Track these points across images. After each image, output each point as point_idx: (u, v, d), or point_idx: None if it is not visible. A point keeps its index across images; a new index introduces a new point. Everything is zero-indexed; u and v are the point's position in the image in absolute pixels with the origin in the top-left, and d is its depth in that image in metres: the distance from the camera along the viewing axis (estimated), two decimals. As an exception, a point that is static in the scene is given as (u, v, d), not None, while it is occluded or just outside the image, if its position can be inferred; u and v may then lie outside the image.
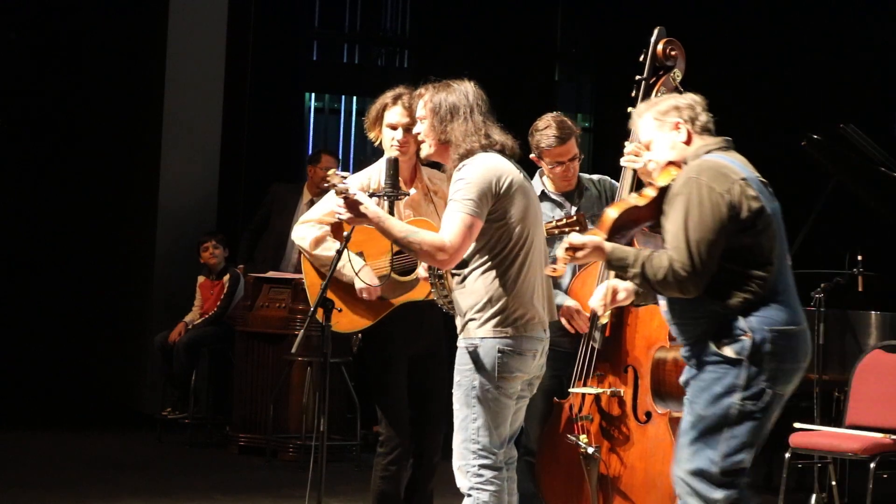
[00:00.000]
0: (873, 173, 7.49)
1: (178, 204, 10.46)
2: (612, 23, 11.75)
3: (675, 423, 5.07)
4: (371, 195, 5.09)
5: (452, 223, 4.53)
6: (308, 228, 5.30)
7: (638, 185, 5.28)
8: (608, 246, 4.30)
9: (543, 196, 5.61)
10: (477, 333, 4.56)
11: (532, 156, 5.63)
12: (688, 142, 4.34)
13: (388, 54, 12.75)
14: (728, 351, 4.15)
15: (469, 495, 4.58)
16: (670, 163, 4.35)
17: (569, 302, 5.52)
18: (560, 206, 5.66)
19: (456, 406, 4.61)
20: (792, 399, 7.75)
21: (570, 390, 5.56)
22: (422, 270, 4.99)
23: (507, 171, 4.59)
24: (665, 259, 4.17)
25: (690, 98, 4.41)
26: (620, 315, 5.45)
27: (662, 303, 4.38)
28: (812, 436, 6.71)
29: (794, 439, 6.68)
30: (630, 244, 4.43)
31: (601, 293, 5.08)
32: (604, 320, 5.43)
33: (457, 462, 4.60)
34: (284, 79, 11.59)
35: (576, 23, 12.67)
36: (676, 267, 4.15)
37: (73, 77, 11.23)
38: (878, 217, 7.92)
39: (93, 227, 11.29)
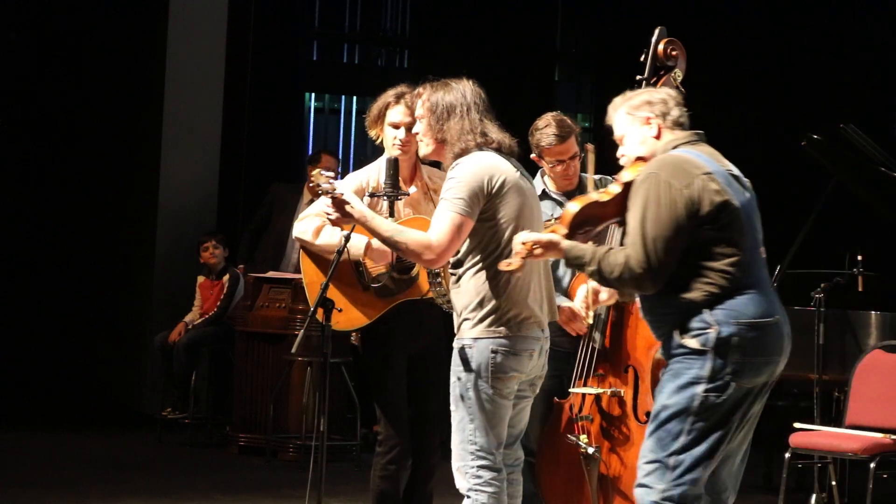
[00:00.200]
0: (873, 173, 7.49)
1: (178, 204, 10.46)
2: (612, 23, 11.76)
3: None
4: (371, 195, 5.10)
5: (441, 222, 4.53)
6: (307, 222, 5.30)
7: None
8: (565, 244, 4.29)
9: (544, 195, 5.61)
10: (470, 333, 4.55)
11: (533, 156, 5.63)
12: (658, 136, 4.32)
13: (388, 54, 12.75)
14: (693, 343, 4.13)
15: (468, 496, 4.57)
16: (639, 158, 4.34)
17: (566, 304, 5.51)
18: (561, 205, 5.66)
19: (452, 407, 4.60)
20: (792, 399, 7.84)
21: (571, 390, 5.56)
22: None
23: (501, 169, 4.58)
24: (621, 256, 4.16)
25: (665, 92, 4.40)
26: (621, 315, 5.45)
27: (637, 299, 4.38)
28: (812, 436, 6.71)
29: (794, 439, 6.68)
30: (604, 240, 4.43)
31: (582, 294, 5.10)
32: (588, 321, 5.44)
33: (455, 463, 4.60)
34: (284, 79, 11.59)
35: (576, 23, 12.67)
36: (632, 264, 4.14)
37: (73, 77, 11.24)
38: (878, 217, 7.92)
39: (93, 227, 11.29)
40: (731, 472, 4.34)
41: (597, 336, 5.47)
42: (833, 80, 10.86)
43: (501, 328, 4.53)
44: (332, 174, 4.81)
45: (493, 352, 4.52)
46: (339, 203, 4.72)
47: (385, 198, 5.07)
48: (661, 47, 5.26)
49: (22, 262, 11.32)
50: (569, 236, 4.33)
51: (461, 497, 4.61)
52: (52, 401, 10.79)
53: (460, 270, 4.59)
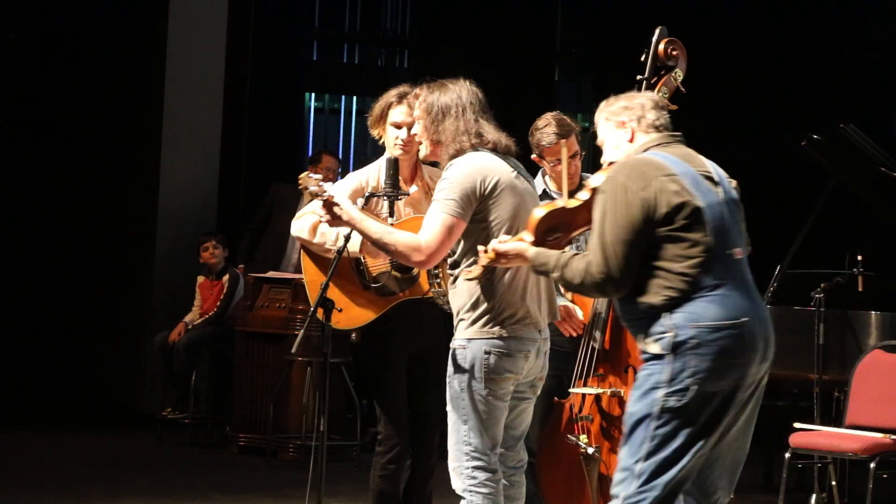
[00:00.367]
0: (873, 173, 7.49)
1: (178, 204, 10.46)
2: (612, 23, 11.76)
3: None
4: (371, 195, 5.10)
5: (431, 224, 4.53)
6: (305, 219, 5.30)
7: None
8: (531, 252, 4.27)
9: (545, 195, 5.60)
10: (465, 334, 4.55)
11: (533, 156, 5.63)
12: (632, 140, 4.30)
13: (388, 54, 12.75)
14: (655, 347, 4.09)
15: (463, 497, 4.57)
16: (612, 163, 4.33)
17: (563, 303, 5.51)
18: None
19: (448, 407, 4.60)
20: (792, 399, 7.84)
21: (571, 390, 5.56)
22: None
23: (495, 170, 4.57)
24: (583, 262, 4.14)
25: (645, 97, 4.37)
26: (621, 315, 5.44)
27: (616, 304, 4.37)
28: (812, 436, 6.71)
29: (794, 439, 6.69)
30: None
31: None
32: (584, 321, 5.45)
33: (451, 463, 4.60)
34: (284, 79, 11.59)
35: (576, 23, 12.68)
36: (592, 269, 4.12)
37: (73, 77, 11.24)
38: (878, 217, 7.92)
39: (93, 227, 11.29)
40: (722, 474, 4.25)
41: (597, 336, 5.47)
42: (833, 80, 10.86)
43: (495, 329, 4.51)
44: (319, 176, 4.82)
45: (487, 353, 4.50)
46: (328, 205, 4.73)
47: (385, 197, 5.07)
48: (661, 47, 5.26)
49: (22, 262, 11.32)
50: (537, 243, 4.30)
51: (460, 497, 4.61)
52: (52, 401, 10.79)
53: (456, 271, 4.58)
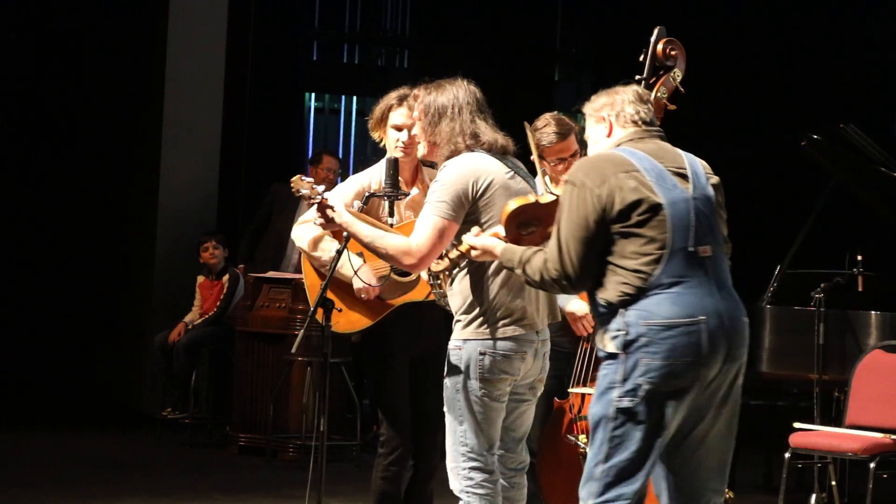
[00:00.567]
0: (873, 173, 7.49)
1: (178, 204, 10.46)
2: (612, 23, 11.76)
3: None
4: (371, 195, 5.09)
5: (422, 227, 4.53)
6: (307, 228, 5.30)
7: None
8: (499, 248, 4.27)
9: (546, 195, 5.60)
10: (460, 335, 4.54)
11: (533, 157, 5.62)
12: (609, 135, 4.27)
13: (388, 54, 12.75)
14: (611, 346, 4.04)
15: (461, 498, 4.57)
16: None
17: (572, 306, 5.51)
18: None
19: (445, 408, 4.60)
20: (792, 399, 7.84)
21: (571, 390, 5.56)
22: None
23: (488, 171, 4.56)
24: (541, 260, 4.13)
25: (627, 90, 4.32)
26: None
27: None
28: (812, 436, 6.71)
29: (794, 439, 6.69)
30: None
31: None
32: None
33: (449, 464, 4.59)
34: (284, 79, 11.59)
35: (576, 23, 12.68)
36: (549, 266, 4.10)
37: (73, 77, 11.24)
38: (878, 217, 7.92)
39: (93, 227, 11.29)
40: (710, 477, 4.16)
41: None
42: (833, 80, 10.86)
43: (490, 330, 4.50)
44: (311, 180, 4.83)
45: (482, 353, 4.49)
46: (321, 208, 4.74)
47: (385, 198, 5.06)
48: (660, 47, 5.25)
49: (22, 262, 11.32)
50: (513, 237, 4.29)
51: (458, 497, 4.61)
52: (52, 401, 10.79)
53: (453, 273, 4.58)
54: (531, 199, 4.33)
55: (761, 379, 7.55)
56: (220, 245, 9.55)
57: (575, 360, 5.55)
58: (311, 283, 5.32)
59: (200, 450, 9.06)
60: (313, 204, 4.82)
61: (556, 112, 5.71)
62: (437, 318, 5.23)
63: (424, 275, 4.95)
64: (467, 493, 4.54)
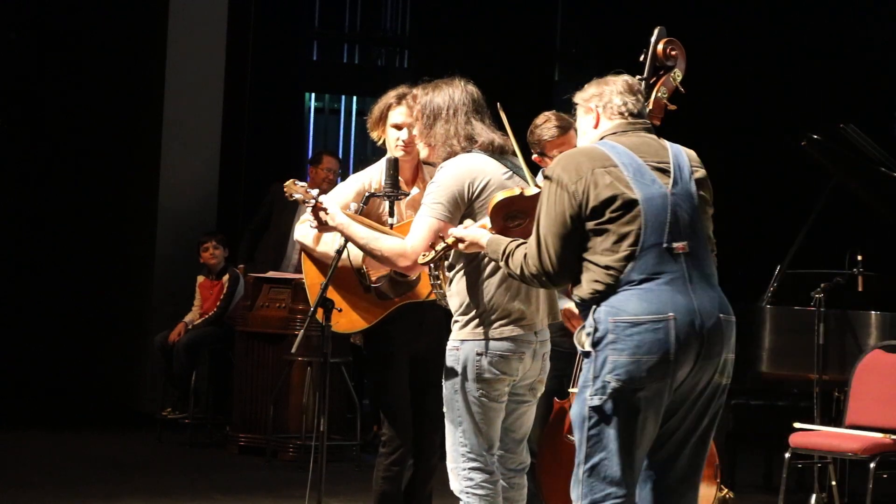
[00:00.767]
0: (873, 173, 7.49)
1: (178, 204, 10.46)
2: (612, 23, 11.76)
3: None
4: (371, 195, 5.09)
5: (418, 228, 4.54)
6: (309, 226, 5.30)
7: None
8: (485, 239, 4.26)
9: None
10: (458, 335, 4.54)
11: (534, 157, 5.63)
12: (596, 126, 4.24)
13: (388, 54, 12.76)
14: (586, 343, 4.01)
15: (461, 498, 4.57)
16: None
17: (567, 303, 5.51)
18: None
19: (444, 408, 4.60)
20: (792, 399, 7.84)
21: (571, 390, 5.56)
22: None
23: (485, 171, 4.56)
24: (522, 254, 4.11)
25: (617, 80, 4.28)
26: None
27: None
28: (812, 436, 6.71)
29: (794, 439, 6.69)
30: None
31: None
32: None
33: (449, 464, 4.59)
34: (284, 79, 11.60)
35: (576, 23, 12.68)
36: (528, 261, 4.09)
37: (73, 77, 11.24)
38: (878, 217, 7.92)
39: (93, 227, 11.29)
40: (678, 480, 4.09)
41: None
42: (833, 80, 10.86)
43: (487, 330, 4.49)
44: (304, 184, 4.84)
45: (479, 354, 4.48)
46: (315, 211, 4.74)
47: (385, 198, 5.06)
48: (660, 47, 5.24)
49: (22, 262, 11.32)
50: (500, 229, 4.28)
51: (459, 497, 4.61)
52: (52, 401, 10.78)
53: (451, 273, 4.58)
54: (516, 191, 4.32)
55: (761, 379, 7.55)
56: (220, 245, 9.55)
57: (575, 360, 5.55)
58: (311, 283, 5.32)
59: (200, 450, 9.06)
60: (307, 207, 4.83)
61: (554, 111, 5.71)
62: (437, 318, 5.22)
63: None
64: (467, 493, 4.54)
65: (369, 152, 10.64)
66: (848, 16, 11.11)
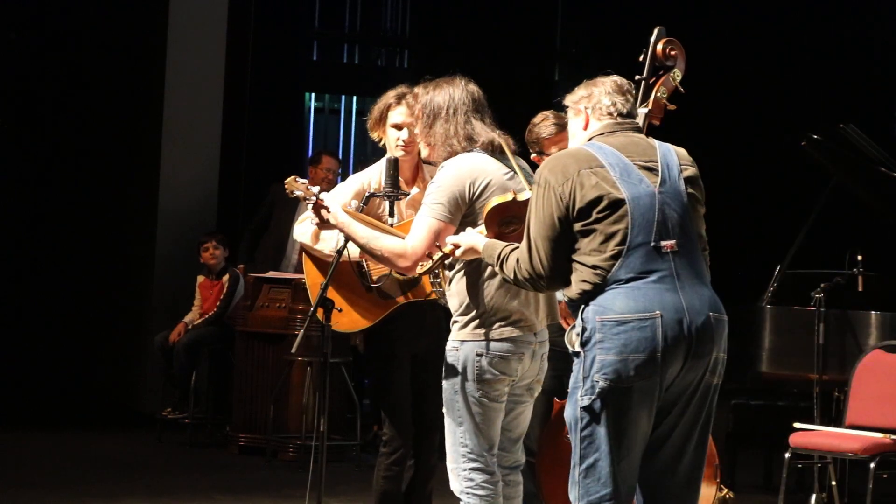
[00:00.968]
0: (873, 173, 7.49)
1: (178, 204, 10.46)
2: (612, 23, 11.76)
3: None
4: (371, 195, 5.09)
5: (418, 229, 4.54)
6: (308, 224, 5.30)
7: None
8: (481, 245, 4.26)
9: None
10: (458, 336, 4.54)
11: (533, 156, 5.63)
12: (586, 127, 4.23)
13: (388, 54, 12.76)
14: (575, 344, 4.01)
15: (461, 499, 4.57)
16: None
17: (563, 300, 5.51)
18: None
19: (444, 409, 4.60)
20: (792, 399, 7.84)
21: (571, 390, 5.55)
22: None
23: (486, 171, 4.56)
24: (514, 258, 4.12)
25: (606, 81, 4.27)
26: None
27: None
28: (812, 436, 6.71)
29: (794, 439, 6.69)
30: None
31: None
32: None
33: (449, 465, 4.59)
34: (284, 79, 11.59)
35: (576, 23, 12.68)
36: (521, 265, 4.09)
37: (73, 77, 11.24)
38: (878, 217, 7.92)
39: (93, 227, 11.29)
40: (675, 482, 4.08)
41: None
42: (833, 80, 10.86)
43: (487, 331, 4.49)
44: (306, 181, 4.83)
45: (479, 354, 4.49)
46: (316, 208, 4.74)
47: (385, 198, 5.06)
48: (659, 47, 5.25)
49: (22, 262, 11.32)
50: (496, 234, 4.29)
51: (459, 497, 4.61)
52: (52, 401, 10.78)
53: (451, 273, 4.58)
54: (509, 197, 4.33)
55: (761, 379, 7.55)
56: (220, 245, 9.56)
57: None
58: (313, 283, 5.32)
59: (200, 450, 9.06)
60: (308, 205, 4.82)
61: (551, 110, 5.72)
62: (438, 318, 5.23)
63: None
64: (468, 493, 4.54)
65: (369, 152, 10.64)
66: (848, 16, 11.11)
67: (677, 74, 5.14)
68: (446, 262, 4.47)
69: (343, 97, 12.48)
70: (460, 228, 4.52)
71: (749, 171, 10.91)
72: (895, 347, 6.90)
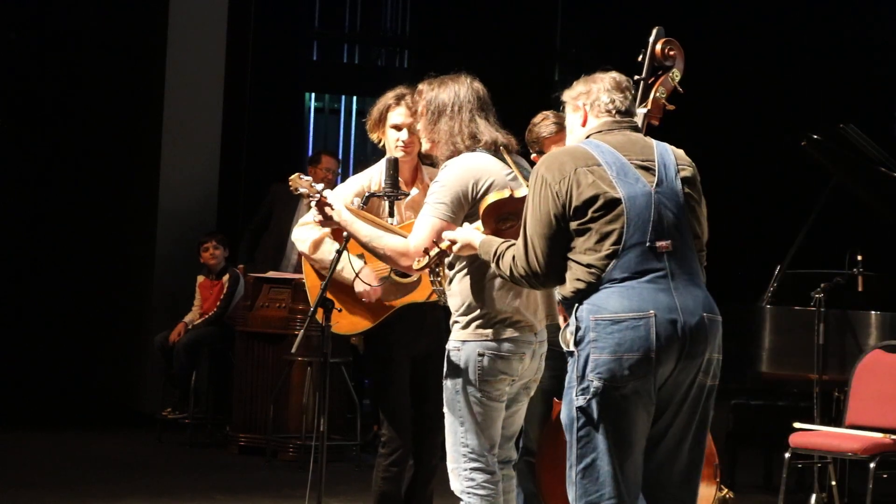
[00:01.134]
0: (873, 173, 7.49)
1: (178, 204, 10.46)
2: (612, 23, 11.76)
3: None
4: (371, 196, 5.09)
5: (420, 228, 4.53)
6: (307, 230, 5.29)
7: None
8: (478, 241, 4.26)
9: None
10: (459, 336, 4.54)
11: (533, 155, 5.63)
12: (584, 124, 4.22)
13: (388, 54, 12.76)
14: (570, 342, 4.01)
15: (462, 499, 4.57)
16: None
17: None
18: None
19: (444, 409, 4.59)
20: (792, 399, 7.85)
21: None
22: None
23: (489, 171, 4.55)
24: (511, 255, 4.12)
25: (604, 78, 4.25)
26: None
27: None
28: (812, 436, 6.71)
29: (794, 439, 6.69)
30: None
31: None
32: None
33: (449, 465, 4.59)
34: (284, 79, 11.60)
35: (576, 23, 12.68)
36: (517, 262, 4.09)
37: (73, 77, 11.24)
38: (878, 217, 7.92)
39: (93, 227, 11.29)
40: (672, 481, 4.06)
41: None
42: (833, 80, 10.87)
43: (489, 331, 4.49)
44: (310, 178, 4.82)
45: (480, 354, 4.48)
46: (320, 205, 4.74)
47: (385, 198, 5.06)
48: (658, 47, 5.25)
49: (22, 262, 11.32)
50: (493, 230, 4.29)
51: (459, 498, 4.61)
52: (52, 401, 10.79)
53: (452, 273, 4.58)
54: (506, 193, 4.33)
55: (761, 379, 7.56)
56: (220, 245, 9.56)
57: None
58: (312, 285, 5.31)
59: (200, 450, 9.06)
60: (312, 202, 4.81)
61: (551, 110, 5.72)
62: (437, 318, 5.23)
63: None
64: (468, 493, 4.54)
65: (369, 152, 10.64)
66: (848, 16, 11.11)
67: (676, 74, 5.14)
68: (445, 259, 4.47)
69: (343, 97, 12.49)
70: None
71: (749, 171, 10.91)
72: (895, 347, 6.90)
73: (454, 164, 4.58)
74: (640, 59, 5.25)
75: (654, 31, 5.28)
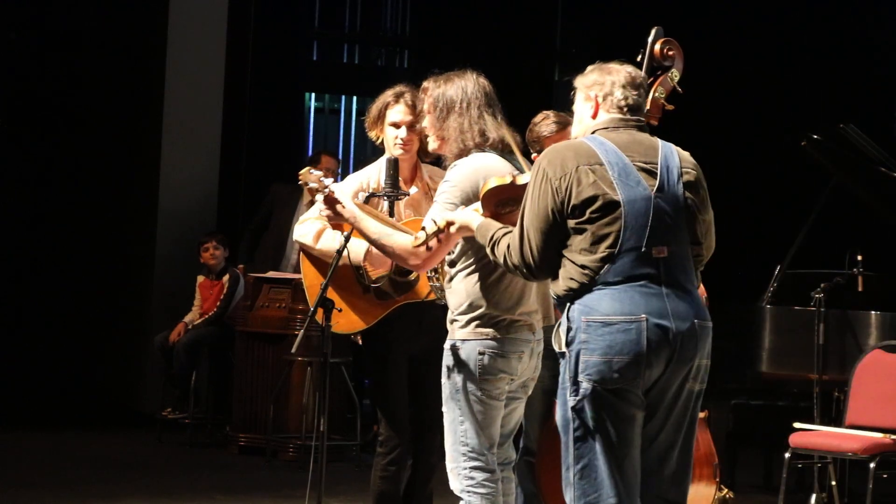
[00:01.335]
0: (873, 173, 7.49)
1: (178, 204, 10.46)
2: (612, 23, 11.76)
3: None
4: (371, 195, 5.09)
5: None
6: (308, 225, 5.30)
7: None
8: (476, 223, 4.25)
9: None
10: (459, 335, 4.53)
11: (534, 155, 5.62)
12: (594, 116, 4.18)
13: (388, 54, 12.76)
14: (562, 343, 4.00)
15: (461, 498, 4.57)
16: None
17: None
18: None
19: (444, 408, 4.59)
20: (792, 399, 7.85)
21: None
22: None
23: (497, 171, 4.54)
24: (506, 244, 4.11)
25: (620, 72, 4.22)
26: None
27: None
28: (812, 436, 6.72)
29: (794, 439, 6.69)
30: None
31: None
32: None
33: (449, 464, 4.59)
34: (284, 79, 11.60)
35: (576, 23, 12.68)
36: (511, 252, 4.09)
37: (73, 77, 11.24)
38: (878, 217, 7.92)
39: (93, 227, 11.29)
40: (663, 482, 4.06)
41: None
42: (833, 80, 10.86)
43: (489, 330, 4.49)
44: (319, 173, 4.81)
45: (481, 353, 4.48)
46: (329, 201, 4.73)
47: (385, 198, 5.06)
48: (657, 47, 5.24)
49: (22, 262, 11.32)
50: (491, 214, 4.28)
51: (459, 497, 4.61)
52: (52, 401, 10.79)
53: (453, 271, 4.58)
54: (507, 179, 4.32)
55: (761, 379, 7.56)
56: (220, 245, 9.56)
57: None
58: (310, 284, 5.31)
59: (200, 450, 9.06)
60: (317, 195, 4.79)
61: (551, 110, 5.73)
62: (436, 318, 5.21)
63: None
64: (468, 492, 4.54)
65: (369, 152, 10.62)
66: (848, 16, 11.11)
67: (675, 74, 5.13)
68: (440, 237, 4.44)
69: (343, 97, 12.49)
70: None
71: (749, 171, 10.90)
72: (895, 347, 6.90)
73: (464, 163, 4.57)
74: (638, 59, 5.25)
75: (653, 31, 5.28)
